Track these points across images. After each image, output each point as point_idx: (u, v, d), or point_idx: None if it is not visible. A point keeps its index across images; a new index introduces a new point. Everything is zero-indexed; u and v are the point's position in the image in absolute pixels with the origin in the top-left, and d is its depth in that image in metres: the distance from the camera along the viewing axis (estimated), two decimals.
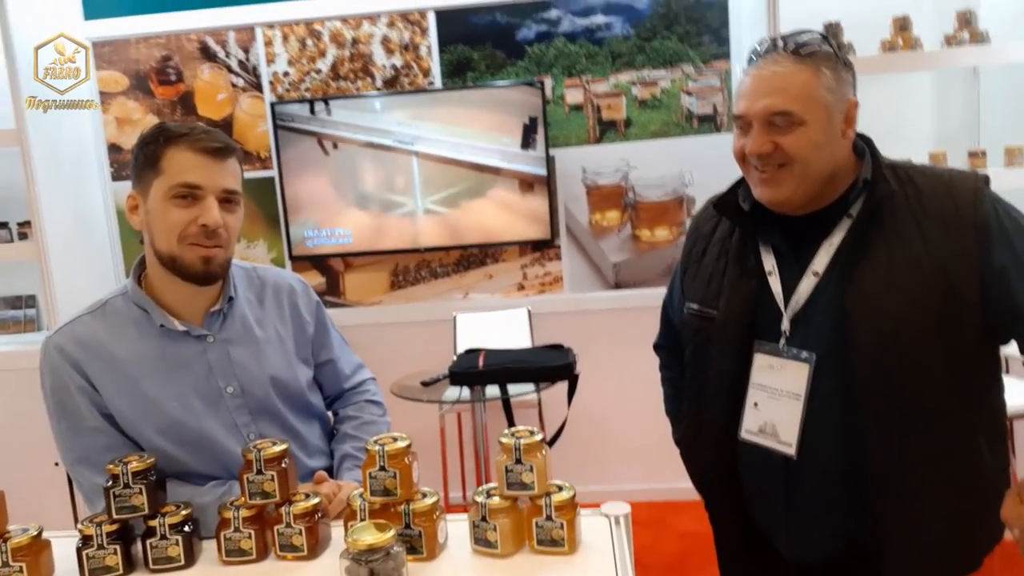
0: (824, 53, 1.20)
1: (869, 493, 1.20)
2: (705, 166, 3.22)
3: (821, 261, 1.23)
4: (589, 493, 3.49)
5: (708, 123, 3.23)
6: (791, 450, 1.24)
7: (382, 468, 1.07)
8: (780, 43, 1.22)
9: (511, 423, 2.64)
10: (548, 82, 3.22)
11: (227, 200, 1.29)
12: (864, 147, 1.27)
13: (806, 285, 1.24)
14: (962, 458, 1.21)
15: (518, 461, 1.04)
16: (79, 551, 1.09)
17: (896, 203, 1.20)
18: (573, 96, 3.25)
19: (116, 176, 3.41)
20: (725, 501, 1.40)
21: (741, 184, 1.34)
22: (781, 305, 1.26)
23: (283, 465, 1.13)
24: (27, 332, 3.31)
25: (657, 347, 1.63)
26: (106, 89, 3.37)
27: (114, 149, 3.41)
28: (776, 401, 1.27)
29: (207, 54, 3.33)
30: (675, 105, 3.23)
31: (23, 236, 3.09)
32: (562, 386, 2.59)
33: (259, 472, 1.11)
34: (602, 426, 3.35)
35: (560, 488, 1.08)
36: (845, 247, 1.22)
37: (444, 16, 3.23)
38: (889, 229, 1.19)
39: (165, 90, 3.37)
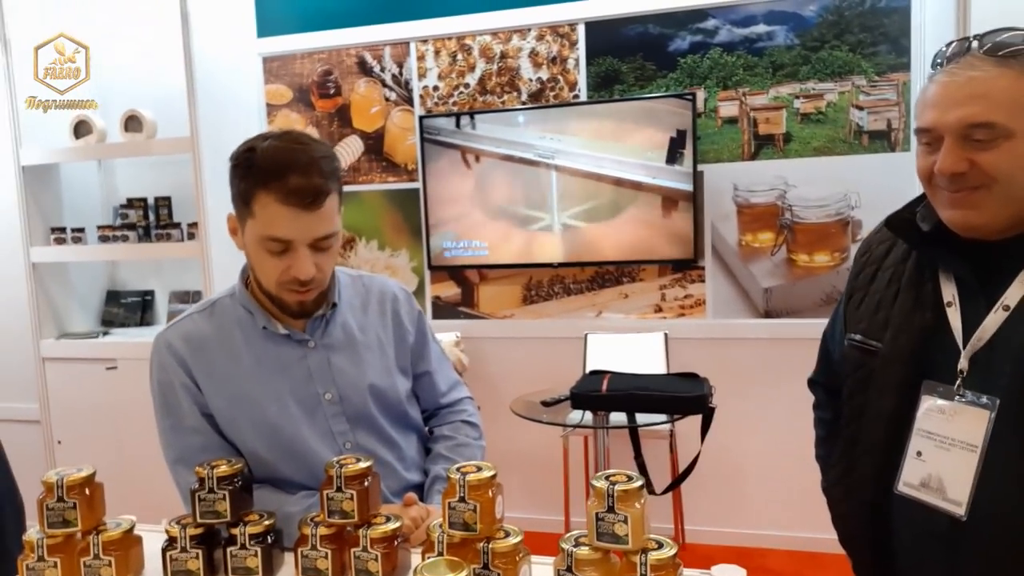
0: None
1: None
2: (875, 187, 2.90)
3: (1015, 294, 1.04)
4: (720, 534, 3.23)
5: (880, 140, 2.90)
6: (960, 510, 1.04)
7: (462, 499, 0.98)
8: (975, 43, 1.03)
9: (637, 453, 2.48)
10: (700, 95, 3.04)
11: (320, 245, 1.22)
12: None
13: (993, 321, 1.05)
14: None
15: (611, 509, 0.91)
16: (164, 552, 1.09)
17: None
18: (727, 109, 3.04)
19: None
20: (873, 564, 1.22)
21: (921, 201, 1.15)
22: (960, 342, 1.08)
23: (365, 484, 1.07)
24: None
25: (812, 383, 1.46)
26: (272, 101, 3.58)
27: None
28: (945, 452, 1.07)
29: (364, 68, 3.45)
30: (843, 120, 2.93)
31: (191, 236, 3.34)
32: (698, 419, 2.40)
33: (339, 489, 1.05)
34: (741, 465, 3.09)
35: (660, 545, 0.93)
36: None
37: (594, 28, 3.14)
38: None
39: (324, 103, 3.52)
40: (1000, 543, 1.02)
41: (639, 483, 0.93)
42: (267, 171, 1.18)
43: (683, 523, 3.06)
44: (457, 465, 1.02)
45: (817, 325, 3.06)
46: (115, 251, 3.42)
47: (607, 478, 0.94)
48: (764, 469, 3.08)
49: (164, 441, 1.30)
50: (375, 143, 3.47)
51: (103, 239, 3.39)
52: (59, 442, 3.42)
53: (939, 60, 1.08)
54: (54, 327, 3.47)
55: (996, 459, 1.02)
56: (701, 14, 3.02)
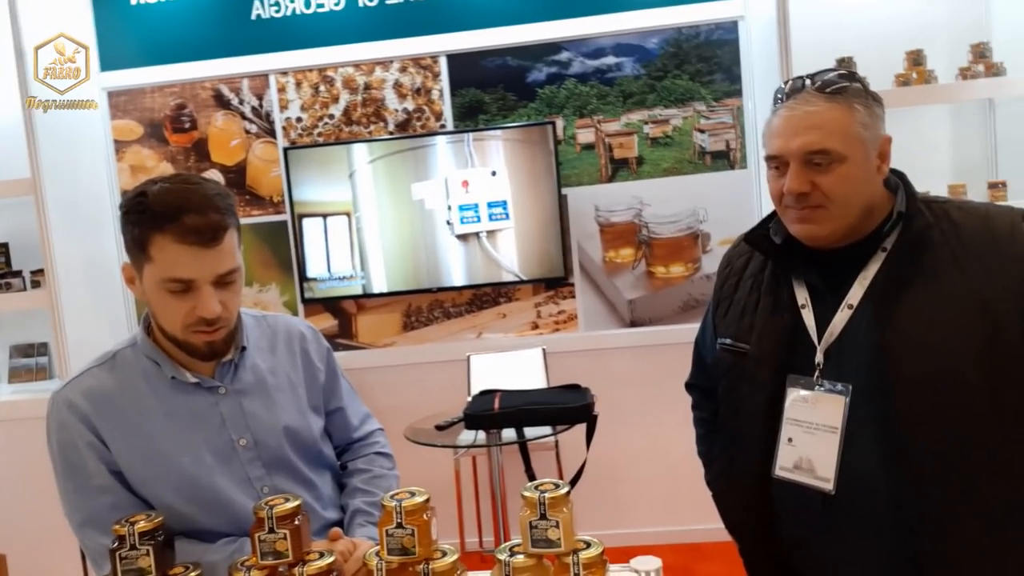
0: (854, 90, 1.20)
1: (912, 533, 1.15)
2: (719, 202, 3.20)
3: (855, 294, 1.22)
4: (609, 536, 3.40)
5: (721, 159, 3.21)
6: (829, 485, 1.20)
7: (399, 525, 1.02)
8: (808, 82, 1.21)
9: (528, 466, 2.57)
10: (559, 123, 3.23)
11: (224, 281, 1.20)
12: (898, 182, 1.25)
13: (840, 318, 1.22)
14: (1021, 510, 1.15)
15: (543, 516, 0.99)
16: None
17: (932, 238, 1.18)
18: (585, 136, 3.25)
19: None
20: (760, 544, 1.36)
21: (772, 218, 1.32)
22: (815, 338, 1.24)
23: (296, 522, 1.08)
24: (39, 380, 3.29)
25: (689, 386, 1.60)
26: (121, 137, 3.40)
27: None
28: (811, 435, 1.23)
29: (221, 101, 3.36)
30: (687, 143, 3.22)
31: (36, 284, 3.10)
32: (580, 427, 2.53)
33: (271, 531, 1.06)
34: (622, 468, 3.27)
35: (588, 544, 1.02)
36: (879, 280, 1.20)
37: (456, 60, 3.25)
38: (926, 264, 1.17)
39: (179, 137, 3.39)
40: (866, 511, 1.18)
41: (566, 489, 1.01)
42: (161, 214, 1.16)
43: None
44: (390, 493, 1.06)
45: (677, 331, 3.34)
46: None
47: (536, 487, 1.02)
48: (641, 469, 3.28)
49: (69, 504, 1.23)
50: (237, 176, 3.38)
51: None
52: None
53: (780, 96, 1.26)
54: None
55: (854, 437, 1.19)
56: (555, 47, 3.22)
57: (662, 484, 3.23)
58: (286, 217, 3.32)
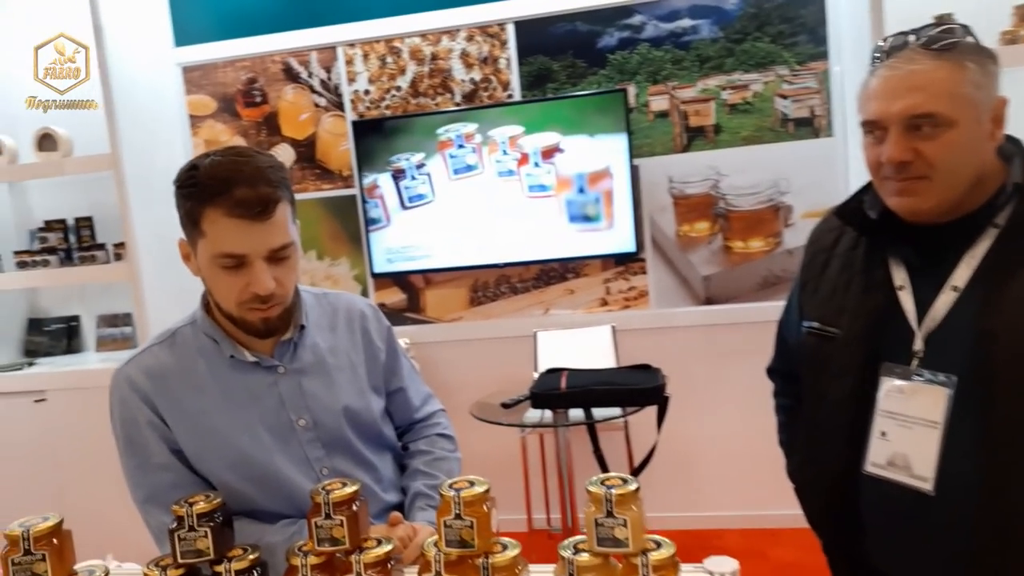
0: (966, 45, 1.06)
1: (1010, 540, 1.05)
2: (802, 173, 3.02)
3: (962, 275, 1.10)
4: (680, 519, 3.29)
5: (805, 127, 3.02)
6: (927, 485, 1.10)
7: (457, 516, 0.97)
8: (913, 37, 1.08)
9: (596, 448, 2.51)
10: (631, 90, 3.10)
11: (277, 256, 1.18)
12: (1013, 149, 1.11)
13: (944, 301, 1.11)
14: None
15: (609, 514, 0.92)
16: None
17: None
18: (658, 103, 3.11)
19: None
20: (843, 541, 1.27)
21: (867, 190, 1.20)
22: (914, 323, 1.13)
23: (354, 508, 1.05)
24: (125, 349, 3.41)
25: (770, 372, 1.50)
26: (195, 112, 3.46)
27: None
28: (907, 430, 1.13)
29: (290, 75, 3.36)
30: (768, 109, 3.04)
31: (118, 257, 3.19)
32: (651, 408, 2.45)
33: (328, 516, 1.03)
34: (694, 451, 3.17)
35: (659, 544, 0.95)
36: (990, 260, 1.08)
37: (523, 27, 3.15)
38: None
39: (251, 112, 3.42)
40: (967, 515, 1.07)
41: (635, 486, 0.94)
42: (211, 187, 1.13)
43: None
44: (449, 481, 1.01)
45: (756, 309, 3.17)
46: (36, 277, 3.24)
47: (602, 482, 0.95)
48: (713, 451, 3.17)
49: (131, 481, 1.24)
50: (307, 150, 3.39)
51: (21, 265, 3.21)
52: None
53: (879, 54, 1.13)
54: None
55: (958, 434, 1.08)
56: (627, 10, 3.08)
57: (736, 468, 3.11)
58: (355, 191, 3.32)
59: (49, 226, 3.35)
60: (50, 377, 3.16)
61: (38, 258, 3.21)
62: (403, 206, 3.20)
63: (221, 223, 1.13)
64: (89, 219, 3.38)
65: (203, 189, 1.14)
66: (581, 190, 3.06)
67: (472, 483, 1.01)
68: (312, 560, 1.04)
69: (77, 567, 1.07)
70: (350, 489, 1.06)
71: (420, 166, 3.15)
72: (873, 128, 1.12)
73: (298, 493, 1.23)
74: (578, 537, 0.99)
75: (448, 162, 3.13)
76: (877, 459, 1.16)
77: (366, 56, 3.29)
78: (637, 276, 3.20)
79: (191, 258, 1.22)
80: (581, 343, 3.05)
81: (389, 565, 1.05)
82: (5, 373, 3.21)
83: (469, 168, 3.13)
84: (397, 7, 3.22)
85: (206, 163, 1.16)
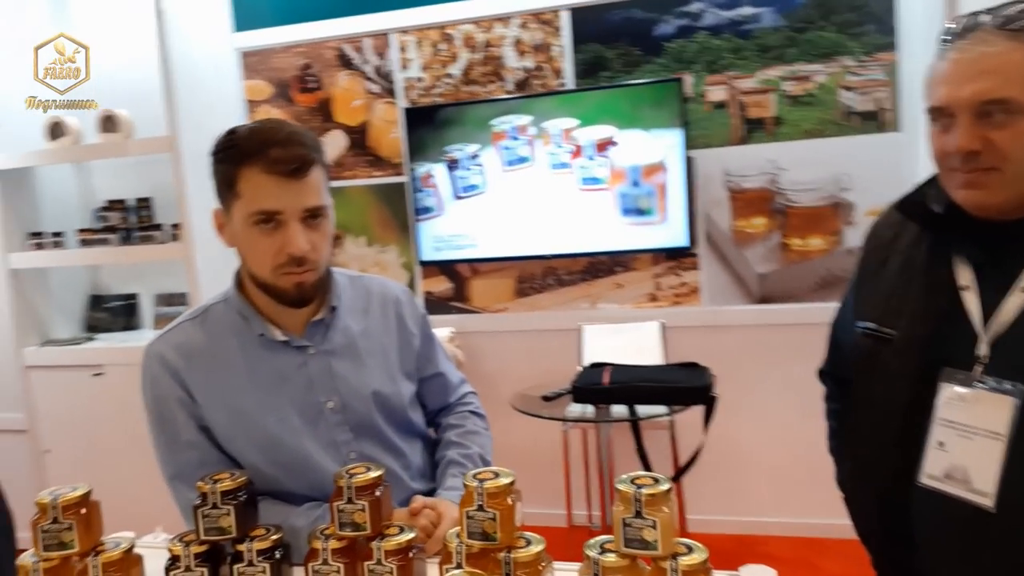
0: None
1: None
2: (866, 169, 2.88)
3: None
4: (724, 522, 3.21)
5: (871, 121, 2.89)
6: (988, 501, 1.02)
7: (480, 508, 0.94)
8: (986, 17, 0.99)
9: (639, 446, 2.45)
10: (688, 79, 3.01)
11: (312, 217, 1.19)
12: None
13: (1013, 304, 1.03)
14: None
15: (638, 514, 0.88)
16: (167, 571, 1.04)
17: None
18: (715, 93, 3.01)
19: None
20: (894, 556, 1.19)
21: (932, 183, 1.11)
22: (978, 327, 1.05)
23: (376, 494, 1.03)
24: None
25: (822, 374, 1.42)
26: (252, 97, 3.50)
27: None
28: (968, 441, 1.05)
29: (344, 61, 3.38)
30: (832, 102, 2.91)
31: (175, 237, 3.26)
32: (698, 408, 2.37)
33: (350, 501, 1.01)
34: (742, 453, 3.08)
35: (690, 549, 0.90)
36: None
37: (578, 14, 3.09)
38: None
39: (305, 97, 3.45)
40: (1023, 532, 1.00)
41: (667, 486, 0.89)
42: (248, 149, 1.17)
43: (684, 512, 3.04)
44: (473, 472, 0.98)
45: (813, 310, 3.05)
46: (97, 255, 3.34)
47: (632, 481, 0.91)
48: (762, 455, 3.07)
49: (160, 456, 1.25)
50: (359, 137, 3.40)
51: (84, 243, 3.31)
52: (48, 452, 3.34)
53: (948, 36, 1.05)
54: (36, 334, 3.38)
55: (1018, 446, 1.00)
56: None
57: (784, 474, 3.01)
58: (405, 179, 3.31)
59: (111, 206, 3.44)
60: (108, 352, 3.25)
61: (99, 236, 3.30)
62: (456, 196, 3.18)
63: (256, 179, 1.15)
64: (148, 199, 3.46)
65: (240, 150, 1.17)
66: (635, 183, 2.99)
67: (497, 474, 0.98)
68: (333, 544, 1.02)
69: (104, 538, 1.07)
70: (374, 474, 1.04)
71: (474, 156, 3.13)
72: (940, 115, 1.04)
73: (325, 476, 1.21)
74: (606, 536, 0.94)
75: (501, 153, 3.10)
76: (933, 471, 1.08)
77: (419, 43, 3.28)
78: (688, 272, 3.11)
79: (224, 227, 1.24)
80: (628, 339, 2.99)
81: (411, 554, 1.02)
82: (67, 347, 3.32)
83: (522, 160, 3.09)
84: None
85: (243, 129, 1.20)
